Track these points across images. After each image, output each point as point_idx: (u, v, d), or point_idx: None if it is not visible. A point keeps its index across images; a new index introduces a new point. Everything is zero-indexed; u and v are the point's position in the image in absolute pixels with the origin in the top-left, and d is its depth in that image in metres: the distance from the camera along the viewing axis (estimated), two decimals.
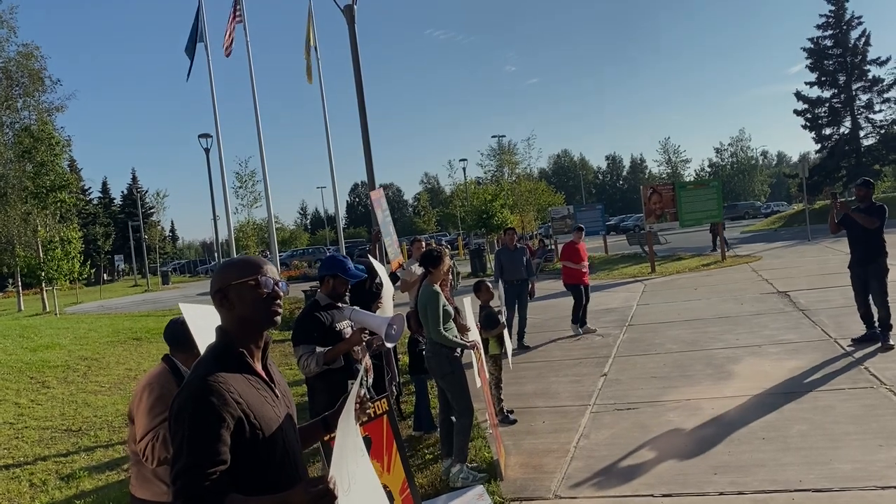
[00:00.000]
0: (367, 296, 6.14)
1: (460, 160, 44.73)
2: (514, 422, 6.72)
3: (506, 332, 7.01)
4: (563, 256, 11.52)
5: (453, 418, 5.51)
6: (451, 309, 5.59)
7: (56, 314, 23.37)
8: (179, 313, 3.61)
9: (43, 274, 24.91)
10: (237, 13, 21.15)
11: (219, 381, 1.96)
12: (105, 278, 58.82)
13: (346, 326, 4.49)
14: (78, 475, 6.51)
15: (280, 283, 2.17)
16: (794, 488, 4.49)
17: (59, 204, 26.32)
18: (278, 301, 2.15)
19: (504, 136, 50.14)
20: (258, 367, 2.14)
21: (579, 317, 11.15)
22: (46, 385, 10.42)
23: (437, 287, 5.50)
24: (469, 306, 6.25)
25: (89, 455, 7.19)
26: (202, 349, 3.19)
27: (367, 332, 4.35)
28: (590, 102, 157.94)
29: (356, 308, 4.54)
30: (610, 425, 6.30)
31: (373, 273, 6.32)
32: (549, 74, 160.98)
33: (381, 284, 6.15)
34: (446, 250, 5.94)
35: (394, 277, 7.66)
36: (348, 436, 2.20)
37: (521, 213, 36.61)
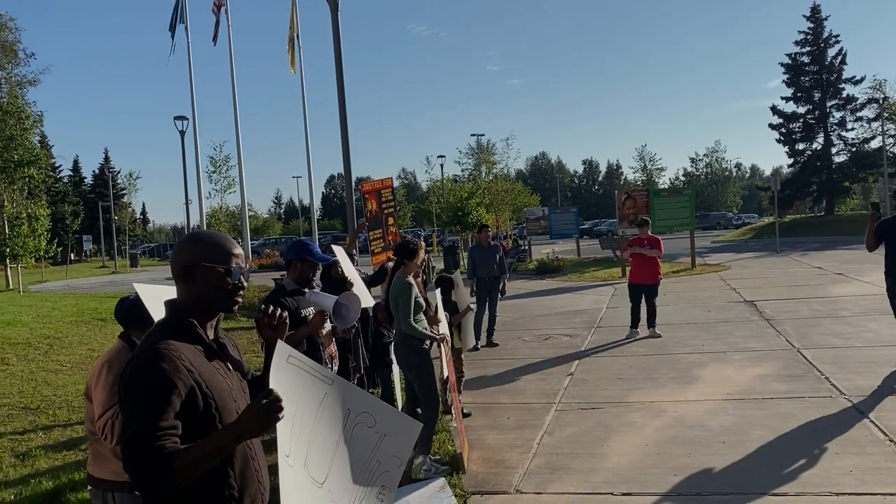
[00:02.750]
0: (335, 286, 6.11)
1: (438, 157, 44.76)
2: (468, 414, 6.73)
3: (467, 321, 7.07)
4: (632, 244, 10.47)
5: (419, 410, 5.50)
6: (422, 301, 5.58)
7: (20, 292, 22.92)
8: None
9: (8, 250, 24.37)
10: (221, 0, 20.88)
11: (170, 349, 1.93)
12: (72, 258, 57.85)
13: (311, 313, 4.46)
14: (34, 454, 6.38)
15: (245, 273, 2.16)
16: (751, 491, 4.56)
17: (27, 180, 25.78)
18: (242, 291, 2.15)
19: (483, 134, 50.23)
20: (209, 338, 2.12)
21: (638, 318, 10.35)
22: (6, 362, 10.21)
23: (410, 278, 5.49)
24: (440, 299, 6.27)
25: (46, 434, 7.06)
26: None
27: (328, 314, 4.32)
28: (569, 107, 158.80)
29: (315, 290, 4.49)
30: (574, 423, 6.34)
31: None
32: (531, 77, 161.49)
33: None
34: (421, 243, 5.93)
35: (382, 271, 7.59)
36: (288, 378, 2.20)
37: (497, 212, 36.69)
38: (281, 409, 1.85)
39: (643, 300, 10.30)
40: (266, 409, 1.83)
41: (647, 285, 10.31)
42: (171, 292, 3.43)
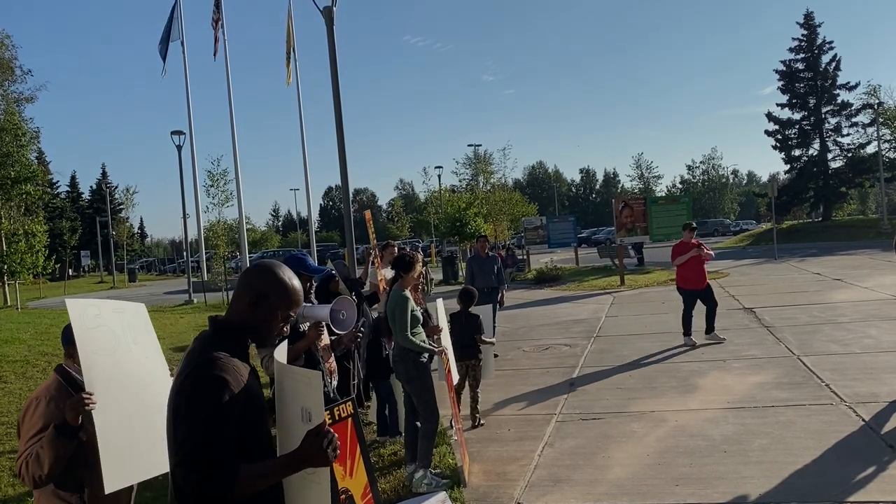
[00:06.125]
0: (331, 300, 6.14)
1: (435, 167, 44.80)
2: (480, 424, 6.78)
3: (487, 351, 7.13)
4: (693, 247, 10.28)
5: (418, 423, 5.48)
6: (419, 314, 5.57)
7: (18, 308, 22.85)
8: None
9: (5, 267, 24.28)
10: (218, 14, 20.96)
11: (232, 363, 2.06)
12: (70, 274, 57.72)
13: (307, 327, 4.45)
14: None
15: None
16: (753, 501, 4.54)
17: (23, 196, 25.72)
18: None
19: (480, 145, 50.35)
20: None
21: (690, 324, 10.22)
22: (4, 380, 10.17)
23: (406, 292, 5.48)
24: (442, 308, 6.26)
25: None
26: (81, 350, 2.87)
27: (322, 324, 4.32)
28: (565, 115, 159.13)
29: (306, 304, 4.49)
30: (575, 434, 6.32)
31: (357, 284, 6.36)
32: (526, 86, 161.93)
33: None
34: (419, 255, 5.93)
35: (374, 298, 7.59)
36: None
37: (495, 222, 36.67)
38: (338, 447, 2.00)
39: (696, 305, 10.11)
40: (327, 447, 1.96)
41: (700, 291, 10.18)
42: (109, 305, 3.16)
